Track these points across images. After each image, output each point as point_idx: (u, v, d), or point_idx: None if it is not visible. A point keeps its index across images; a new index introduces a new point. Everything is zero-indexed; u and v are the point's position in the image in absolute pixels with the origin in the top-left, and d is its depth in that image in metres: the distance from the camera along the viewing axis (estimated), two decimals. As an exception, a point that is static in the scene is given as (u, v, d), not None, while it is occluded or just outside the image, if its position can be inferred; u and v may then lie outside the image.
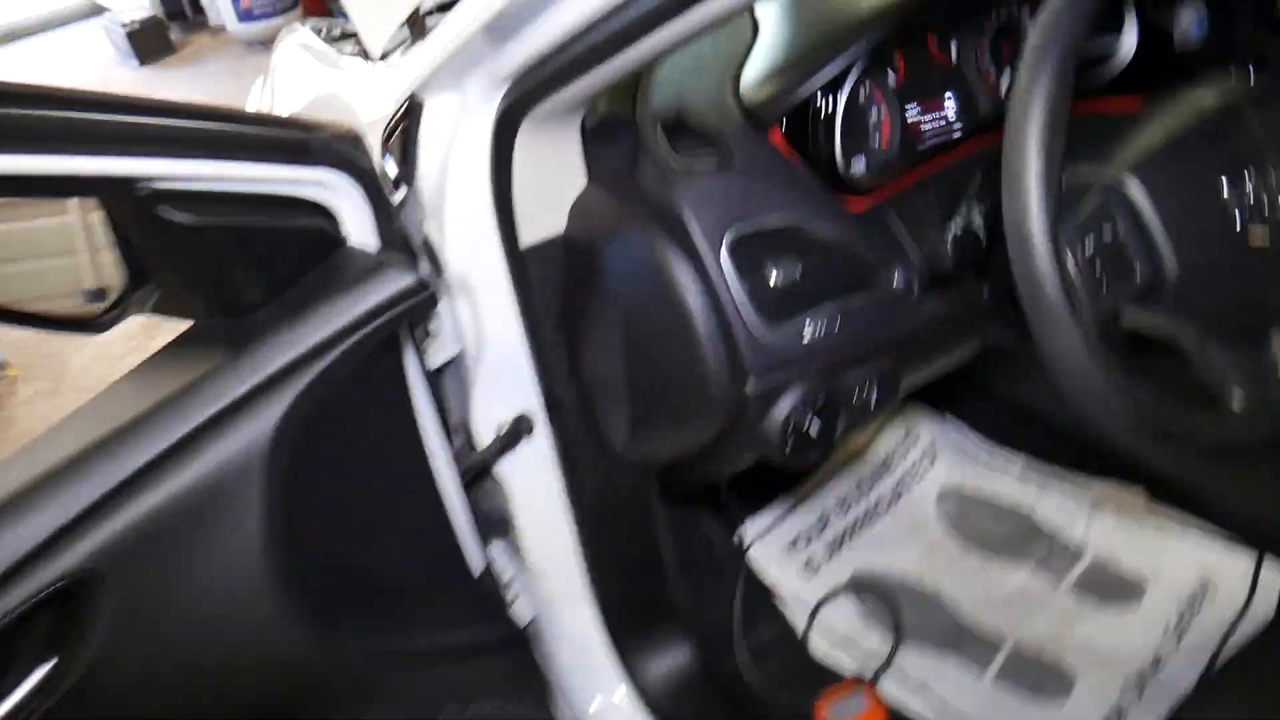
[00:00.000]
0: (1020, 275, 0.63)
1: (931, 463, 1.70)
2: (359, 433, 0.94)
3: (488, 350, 0.99)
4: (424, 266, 1.02)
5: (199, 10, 5.55)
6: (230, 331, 0.84)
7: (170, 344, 0.87)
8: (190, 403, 0.77)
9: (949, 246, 0.79)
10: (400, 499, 1.03)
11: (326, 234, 0.88)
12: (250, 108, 1.70)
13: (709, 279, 0.84)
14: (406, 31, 1.22)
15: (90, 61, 5.47)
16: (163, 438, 0.76)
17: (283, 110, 1.47)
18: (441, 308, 1.00)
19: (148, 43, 5.22)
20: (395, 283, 0.84)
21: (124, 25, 5.15)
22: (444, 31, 0.86)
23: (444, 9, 0.93)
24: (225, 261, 0.83)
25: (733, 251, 0.84)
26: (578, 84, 0.80)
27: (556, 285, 0.99)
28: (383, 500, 1.00)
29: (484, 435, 1.04)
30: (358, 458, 0.96)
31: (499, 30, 0.80)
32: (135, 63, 5.20)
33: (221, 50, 5.33)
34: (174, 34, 5.46)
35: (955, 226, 0.81)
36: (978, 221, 0.82)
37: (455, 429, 1.08)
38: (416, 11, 1.20)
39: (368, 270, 0.85)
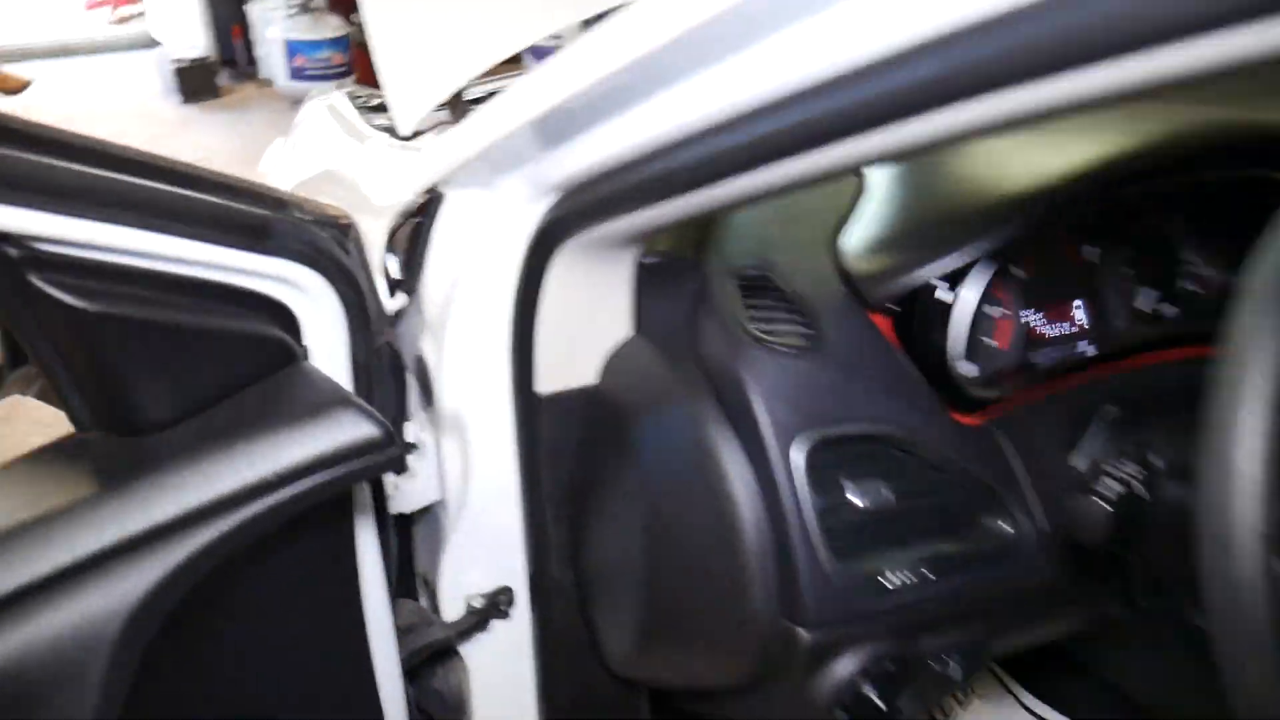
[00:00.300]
0: (1212, 578, 0.50)
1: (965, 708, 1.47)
2: (271, 601, 0.72)
3: (473, 505, 0.83)
4: (412, 393, 0.85)
5: (252, 61, 5.63)
6: (113, 454, 0.62)
7: (28, 455, 0.64)
8: (21, 550, 0.55)
9: (1106, 506, 0.61)
10: (317, 685, 0.80)
11: (278, 343, 0.68)
12: (264, 168, 1.54)
13: (773, 486, 0.69)
14: (447, 113, 1.08)
15: (133, 90, 5.54)
16: None
17: (293, 177, 1.30)
18: (426, 441, 0.84)
19: (193, 82, 5.31)
20: (354, 429, 0.63)
21: (173, 61, 5.26)
22: (485, 118, 0.71)
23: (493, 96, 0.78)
24: (122, 362, 0.61)
25: (809, 457, 0.69)
26: (642, 214, 0.66)
27: (572, 446, 0.86)
28: (291, 687, 0.77)
29: (450, 604, 0.88)
30: (263, 633, 0.73)
31: (553, 129, 0.67)
32: (178, 99, 5.29)
33: (265, 102, 5.38)
34: (223, 79, 5.58)
35: (1105, 484, 0.63)
36: (1131, 476, 0.64)
37: (419, 587, 0.90)
38: (459, 95, 1.06)
39: (322, 403, 0.64)
